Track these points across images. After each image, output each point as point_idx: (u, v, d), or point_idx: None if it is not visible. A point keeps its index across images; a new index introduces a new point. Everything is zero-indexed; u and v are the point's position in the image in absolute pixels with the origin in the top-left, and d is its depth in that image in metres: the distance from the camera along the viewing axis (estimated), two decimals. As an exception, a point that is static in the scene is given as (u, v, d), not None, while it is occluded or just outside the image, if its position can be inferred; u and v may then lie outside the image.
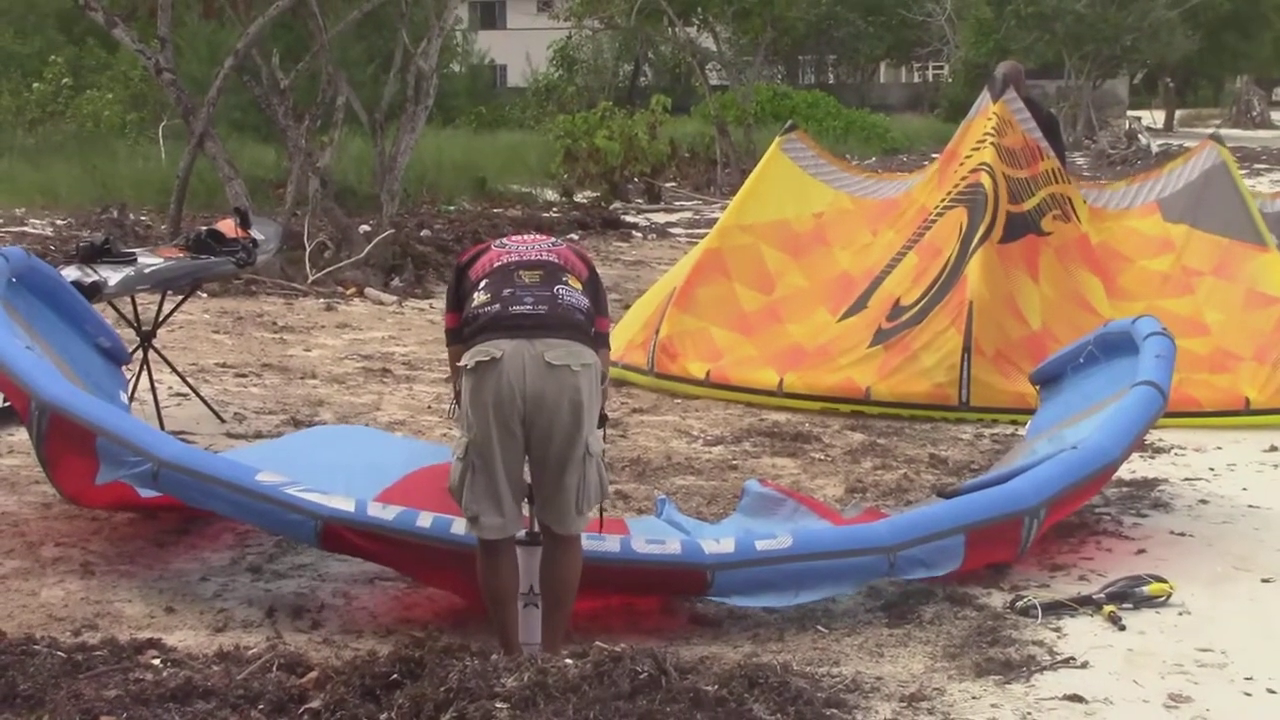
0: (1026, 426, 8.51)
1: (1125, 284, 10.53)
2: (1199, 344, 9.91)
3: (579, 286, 5.41)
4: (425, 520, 5.78)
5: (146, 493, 6.26)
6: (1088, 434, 6.93)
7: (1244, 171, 33.82)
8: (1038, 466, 6.67)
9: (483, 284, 5.38)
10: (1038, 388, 8.57)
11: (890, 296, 10.43)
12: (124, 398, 7.88)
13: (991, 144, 10.79)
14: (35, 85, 29.82)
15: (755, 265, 11.09)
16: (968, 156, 10.99)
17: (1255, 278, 10.32)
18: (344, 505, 5.83)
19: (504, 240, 5.61)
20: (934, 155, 34.95)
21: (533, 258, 5.45)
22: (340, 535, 5.80)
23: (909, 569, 6.08)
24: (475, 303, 5.34)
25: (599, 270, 5.74)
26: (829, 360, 10.21)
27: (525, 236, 5.66)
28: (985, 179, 10.62)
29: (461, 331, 5.41)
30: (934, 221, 10.76)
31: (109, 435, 6.07)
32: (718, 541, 5.98)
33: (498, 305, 5.27)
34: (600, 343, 5.48)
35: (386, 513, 5.83)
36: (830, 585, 6.06)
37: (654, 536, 6.10)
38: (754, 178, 11.88)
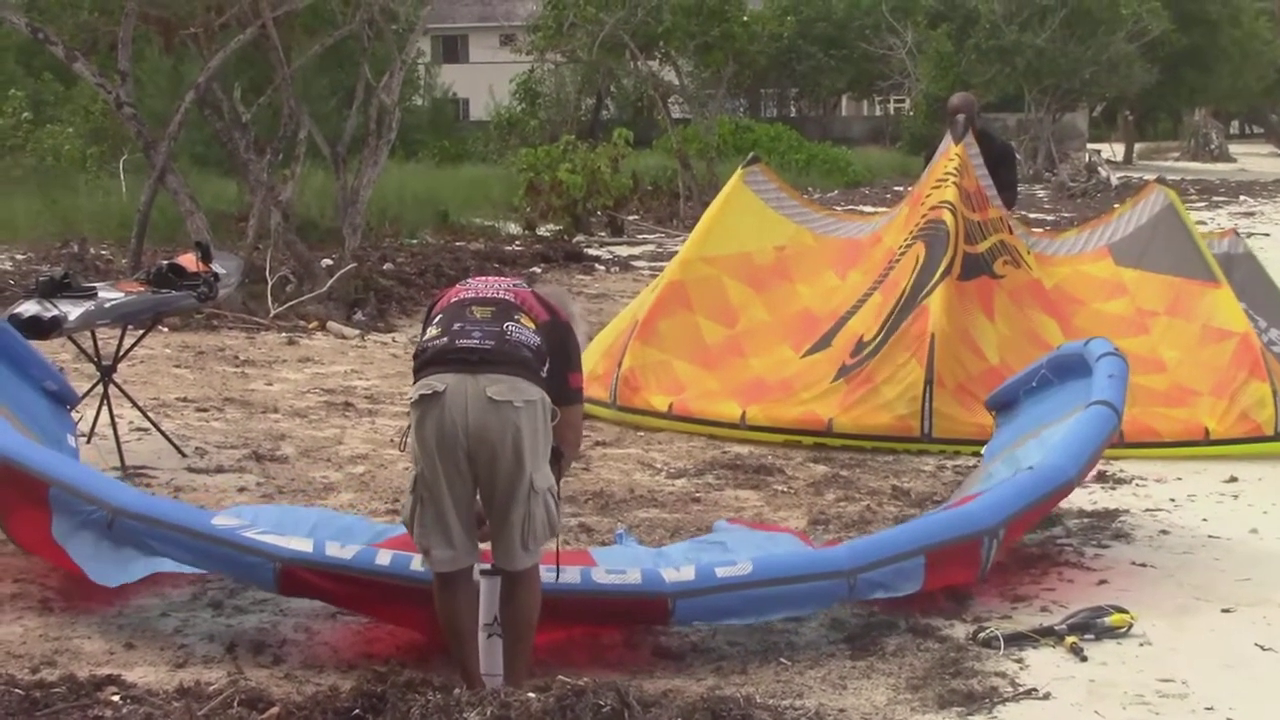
0: (983, 450, 8.56)
1: (1080, 324, 10.56)
2: (1157, 380, 10.00)
3: (532, 326, 5.39)
4: (384, 558, 5.77)
5: None
6: (1043, 454, 6.96)
7: (1202, 204, 34.31)
8: (995, 488, 6.71)
9: (437, 319, 5.41)
10: (993, 414, 8.62)
11: (854, 335, 10.44)
12: (72, 441, 7.81)
13: (954, 183, 10.83)
14: (-6, 119, 29.74)
15: (718, 297, 11.10)
16: (928, 195, 11.03)
17: (1209, 314, 10.39)
18: (302, 546, 5.80)
19: (469, 280, 5.64)
20: (896, 189, 35.22)
21: (488, 295, 5.46)
22: (299, 577, 5.76)
23: (869, 591, 6.09)
24: (426, 337, 5.37)
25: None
26: (791, 394, 10.22)
27: (491, 277, 5.69)
28: (948, 216, 10.65)
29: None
30: (897, 260, 10.80)
31: (61, 485, 6.02)
32: (678, 569, 5.97)
33: (445, 339, 5.28)
34: (571, 399, 5.48)
35: (345, 552, 5.80)
36: (790, 610, 6.09)
37: (615, 567, 6.09)
38: (716, 209, 11.83)
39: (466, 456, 5.16)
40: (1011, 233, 11.05)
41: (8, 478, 6.18)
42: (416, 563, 5.66)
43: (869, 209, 24.18)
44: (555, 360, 5.41)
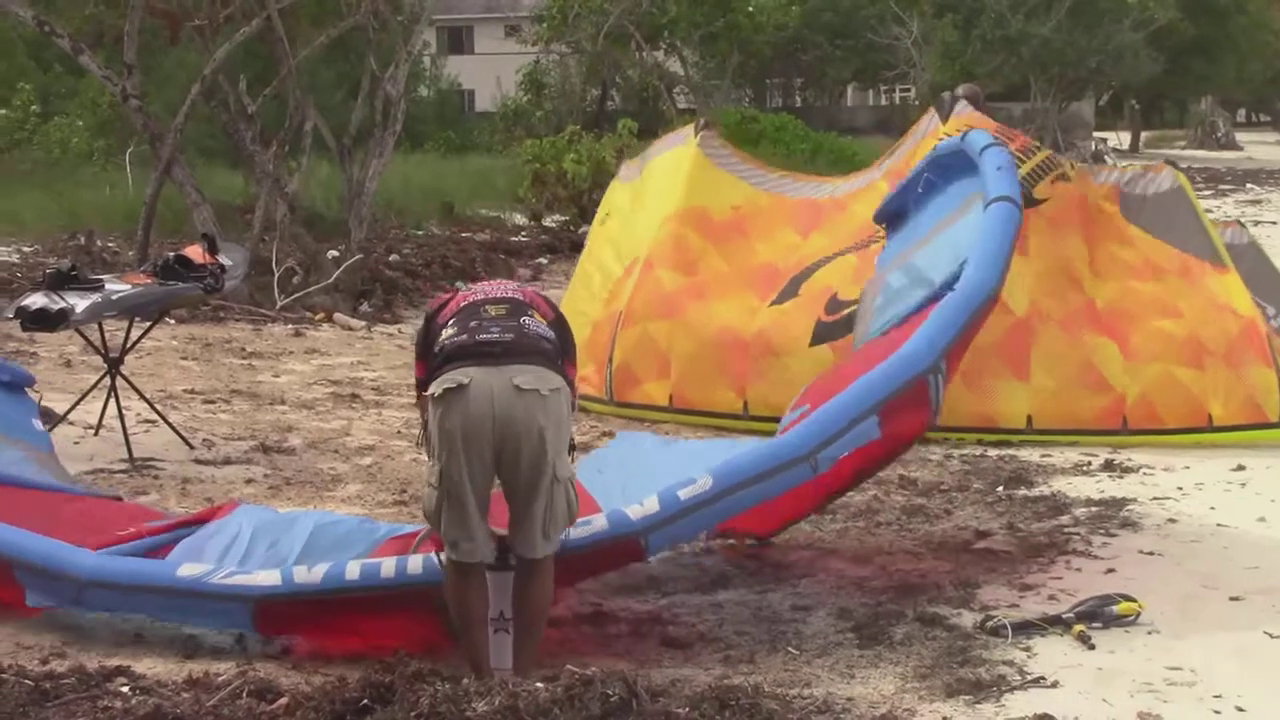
0: (875, 261, 8.46)
1: (1100, 260, 10.36)
2: (1175, 325, 9.95)
3: (544, 321, 5.47)
4: (353, 571, 5.70)
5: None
6: (952, 267, 6.77)
7: (1209, 192, 34.27)
8: (926, 323, 6.49)
9: (450, 322, 5.42)
10: (883, 226, 8.56)
11: (825, 288, 10.28)
12: (38, 424, 7.79)
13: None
14: (2, 112, 29.73)
15: (675, 248, 10.97)
16: None
17: (1217, 293, 10.25)
18: (269, 580, 5.74)
19: (470, 285, 5.72)
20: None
21: (498, 295, 5.53)
22: (276, 613, 5.73)
23: (830, 463, 5.98)
24: (442, 338, 5.38)
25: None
26: (772, 355, 10.08)
27: (491, 282, 5.75)
28: None
29: (429, 365, 5.44)
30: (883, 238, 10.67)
31: (23, 565, 5.96)
32: (642, 504, 5.80)
33: (465, 335, 5.31)
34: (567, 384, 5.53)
35: (313, 575, 5.72)
36: (759, 502, 6.04)
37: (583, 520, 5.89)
38: (683, 177, 11.48)
39: (492, 447, 5.19)
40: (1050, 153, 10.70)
41: None
42: (385, 568, 5.65)
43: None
44: (555, 333, 5.51)
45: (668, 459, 7.26)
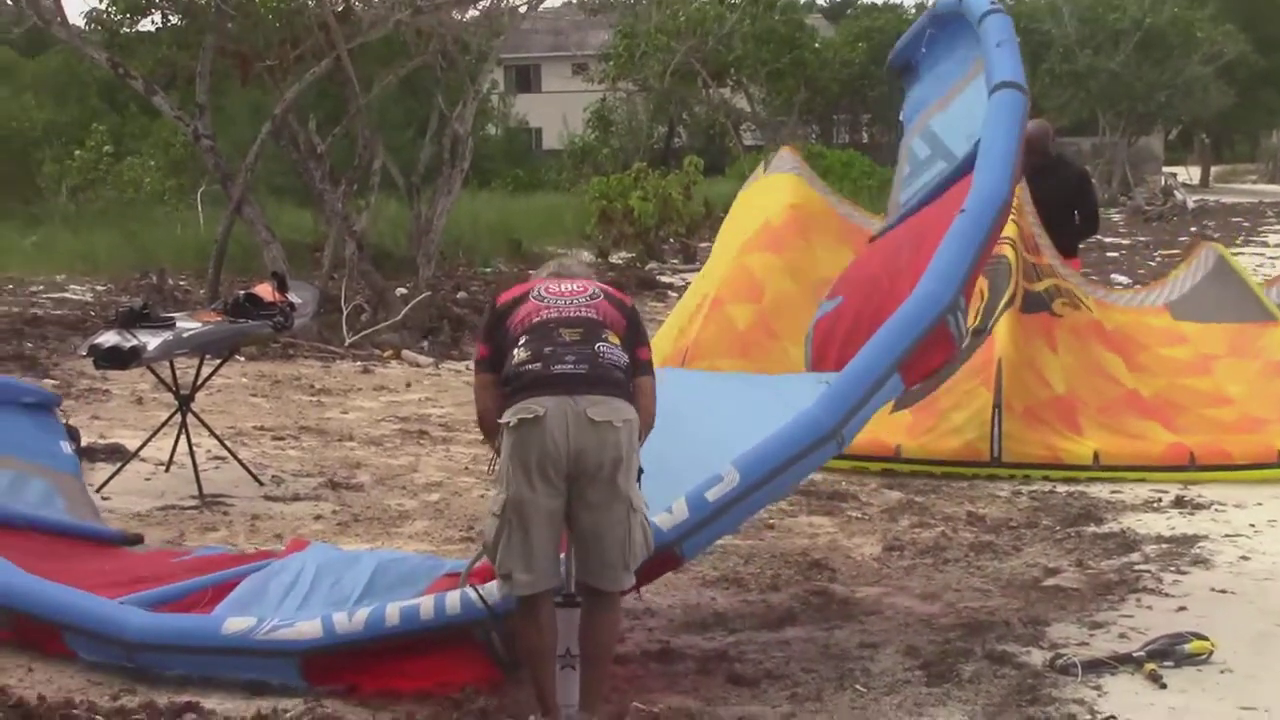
0: (901, 117, 8.45)
1: (1144, 362, 10.65)
2: (1226, 412, 10.14)
3: (618, 341, 5.43)
4: (393, 616, 5.66)
5: None
6: (965, 143, 6.73)
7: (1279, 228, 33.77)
8: (937, 255, 6.29)
9: (523, 340, 5.38)
10: (897, 73, 8.57)
11: None
12: (67, 448, 7.80)
13: (1015, 221, 10.68)
14: (77, 153, 30.18)
15: (744, 279, 10.93)
16: None
17: (1271, 350, 10.54)
18: (312, 632, 5.71)
19: (541, 292, 5.55)
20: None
21: (572, 314, 5.45)
22: (323, 663, 5.71)
23: (854, 434, 5.92)
24: (515, 360, 5.34)
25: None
26: None
27: (563, 288, 5.58)
28: (1009, 251, 10.53)
29: (492, 362, 5.46)
30: None
31: (71, 629, 6.00)
32: (670, 511, 5.68)
33: (539, 364, 5.27)
34: (644, 370, 5.51)
35: (355, 623, 5.69)
36: (789, 488, 5.94)
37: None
38: (752, 203, 11.64)
39: (565, 479, 5.19)
40: (1066, 280, 10.98)
41: (19, 625, 6.14)
42: (425, 609, 5.62)
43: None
44: (628, 339, 5.48)
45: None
